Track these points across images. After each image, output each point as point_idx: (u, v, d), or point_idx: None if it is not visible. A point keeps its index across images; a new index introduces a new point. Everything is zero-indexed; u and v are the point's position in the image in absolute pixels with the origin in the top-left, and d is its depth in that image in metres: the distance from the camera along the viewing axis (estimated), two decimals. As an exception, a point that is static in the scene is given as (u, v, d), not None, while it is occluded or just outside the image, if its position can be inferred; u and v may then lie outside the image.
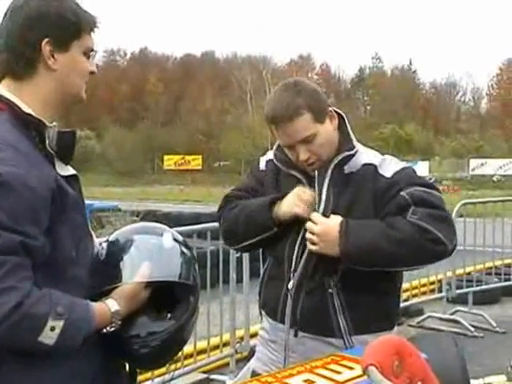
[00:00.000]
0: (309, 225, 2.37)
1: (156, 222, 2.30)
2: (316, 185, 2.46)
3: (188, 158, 58.87)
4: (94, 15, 1.99)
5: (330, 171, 2.45)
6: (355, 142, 2.50)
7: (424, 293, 8.32)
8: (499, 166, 49.04)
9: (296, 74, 66.09)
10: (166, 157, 59.54)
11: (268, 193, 2.54)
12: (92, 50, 1.98)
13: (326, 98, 2.56)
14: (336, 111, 2.53)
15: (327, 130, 2.44)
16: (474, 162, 50.14)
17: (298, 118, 2.37)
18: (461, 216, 8.38)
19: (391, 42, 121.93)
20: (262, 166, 2.63)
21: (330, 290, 2.40)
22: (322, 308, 2.41)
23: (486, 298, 8.57)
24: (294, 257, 2.44)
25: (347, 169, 2.45)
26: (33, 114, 1.86)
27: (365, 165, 2.45)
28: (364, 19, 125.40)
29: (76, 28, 1.91)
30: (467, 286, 8.22)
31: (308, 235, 2.38)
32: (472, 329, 7.42)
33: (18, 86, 1.89)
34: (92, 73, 1.99)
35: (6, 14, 1.91)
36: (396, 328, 2.56)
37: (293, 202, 2.40)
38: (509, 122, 62.73)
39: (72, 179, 1.93)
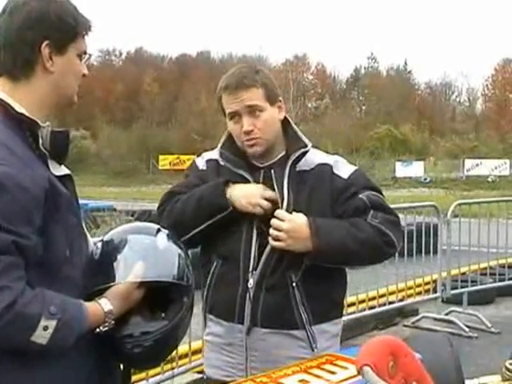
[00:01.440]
0: (275, 222, 2.40)
1: (151, 221, 2.30)
2: (275, 183, 2.49)
3: (183, 157, 58.61)
4: (89, 19, 2.00)
5: (287, 169, 2.50)
6: (307, 141, 2.57)
7: (419, 293, 8.33)
8: (494, 166, 49.03)
9: (291, 74, 66.19)
10: (161, 157, 59.34)
11: None
12: (85, 53, 1.99)
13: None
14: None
15: (274, 114, 2.54)
16: (469, 163, 50.09)
17: (252, 89, 2.48)
18: (456, 216, 8.40)
19: (386, 42, 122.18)
20: (202, 165, 2.66)
21: (292, 285, 2.44)
22: (284, 303, 2.45)
23: (481, 299, 8.59)
24: (252, 255, 2.45)
25: (299, 167, 2.52)
26: (26, 113, 1.85)
27: (320, 164, 2.52)
28: (359, 19, 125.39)
29: (74, 31, 1.93)
30: (462, 287, 8.23)
31: (274, 232, 2.40)
32: (467, 329, 7.43)
33: (14, 86, 1.89)
34: (84, 75, 2.00)
35: (4, 11, 1.90)
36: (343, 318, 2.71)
37: (254, 200, 2.43)
38: (504, 123, 62.76)
39: (66, 179, 1.93)
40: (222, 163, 2.60)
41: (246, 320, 2.46)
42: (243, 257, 2.47)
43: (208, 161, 2.64)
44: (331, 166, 2.52)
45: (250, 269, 2.45)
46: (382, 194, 2.57)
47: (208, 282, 2.58)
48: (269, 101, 2.51)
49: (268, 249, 2.44)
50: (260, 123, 2.48)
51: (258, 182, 2.50)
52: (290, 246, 2.39)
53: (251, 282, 2.44)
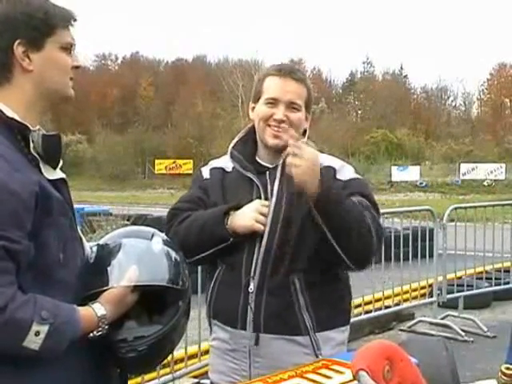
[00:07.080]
0: (295, 149, 2.30)
1: (147, 226, 2.30)
2: (277, 182, 2.48)
3: (179, 162, 58.63)
4: (69, 9, 1.96)
5: (281, 161, 2.47)
6: (306, 139, 2.58)
7: (415, 297, 8.33)
8: (490, 170, 49.11)
9: (287, 79, 66.08)
10: (157, 161, 59.28)
11: (214, 200, 2.56)
12: (72, 45, 1.95)
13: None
14: None
15: (303, 119, 2.57)
16: (464, 167, 50.13)
17: (301, 85, 2.54)
18: (452, 220, 8.41)
19: (382, 47, 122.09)
20: (206, 175, 2.66)
21: (296, 290, 2.43)
22: (287, 307, 2.44)
23: (477, 303, 8.60)
24: (254, 260, 2.44)
25: None
26: (16, 118, 1.85)
27: (325, 167, 2.48)
28: (355, 24, 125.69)
29: (47, 25, 1.89)
30: (458, 291, 8.24)
31: (291, 160, 2.30)
32: (462, 333, 7.44)
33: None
34: (77, 67, 1.97)
35: None
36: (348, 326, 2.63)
37: (252, 217, 2.42)
38: (499, 127, 62.89)
39: (60, 183, 1.92)
40: (228, 170, 2.60)
41: (249, 326, 2.45)
42: (245, 262, 2.46)
43: (212, 169, 2.65)
44: (335, 170, 2.51)
45: (252, 274, 2.44)
46: (377, 210, 2.48)
47: (211, 287, 2.57)
48: (305, 105, 2.56)
49: (263, 249, 2.42)
50: (293, 117, 2.51)
51: (264, 184, 2.50)
52: (306, 174, 2.27)
53: (252, 287, 2.43)
